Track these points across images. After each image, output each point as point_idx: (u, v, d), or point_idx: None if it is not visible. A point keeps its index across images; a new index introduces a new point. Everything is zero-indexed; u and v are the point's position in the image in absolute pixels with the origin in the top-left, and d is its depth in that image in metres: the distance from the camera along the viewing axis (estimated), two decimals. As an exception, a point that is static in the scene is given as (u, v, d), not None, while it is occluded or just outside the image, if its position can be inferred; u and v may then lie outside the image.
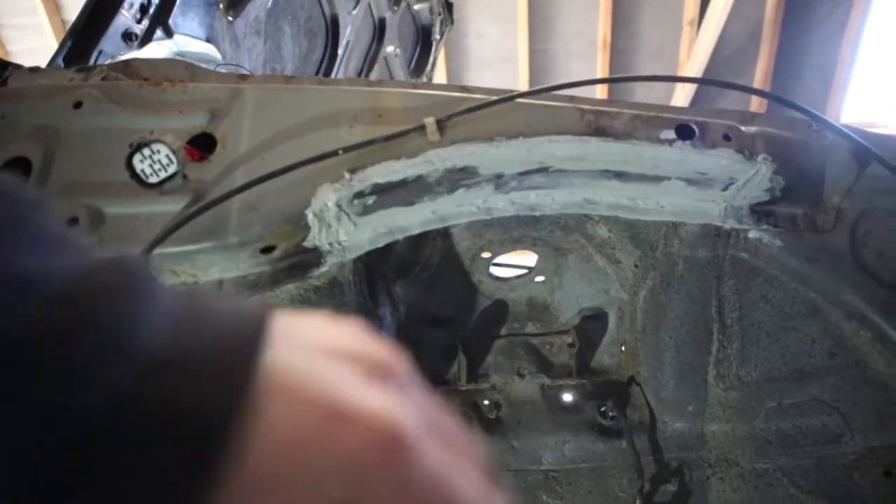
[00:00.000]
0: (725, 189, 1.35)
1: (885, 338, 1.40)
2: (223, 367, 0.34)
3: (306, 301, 1.54)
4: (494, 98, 1.28)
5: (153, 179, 1.32)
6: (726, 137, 1.28)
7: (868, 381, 1.49)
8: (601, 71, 6.73)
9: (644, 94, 6.74)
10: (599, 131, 1.27)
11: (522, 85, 6.86)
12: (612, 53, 6.75)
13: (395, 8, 3.90)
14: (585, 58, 6.81)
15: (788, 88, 6.59)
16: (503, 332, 2.01)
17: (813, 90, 6.36)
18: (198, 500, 0.32)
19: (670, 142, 1.27)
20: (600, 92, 6.63)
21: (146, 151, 1.33)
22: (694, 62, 6.24)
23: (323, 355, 0.38)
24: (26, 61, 1.62)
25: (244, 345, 0.35)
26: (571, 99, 1.35)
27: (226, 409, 0.33)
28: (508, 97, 1.28)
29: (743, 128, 1.32)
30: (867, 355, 1.46)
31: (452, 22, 4.61)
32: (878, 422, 1.53)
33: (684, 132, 1.28)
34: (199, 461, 0.32)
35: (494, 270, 2.00)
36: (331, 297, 1.55)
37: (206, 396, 0.33)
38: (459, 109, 1.27)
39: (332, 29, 3.29)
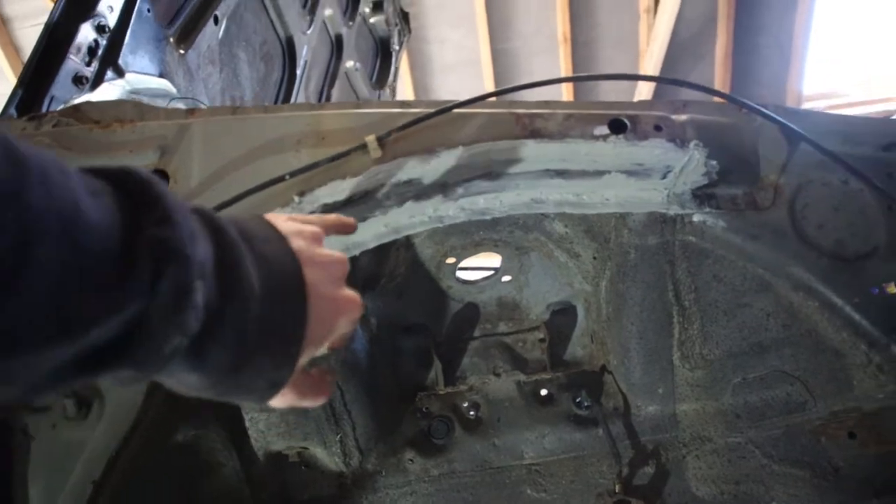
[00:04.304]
0: (664, 177, 1.39)
1: (831, 305, 1.45)
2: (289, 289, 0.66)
3: None
4: (431, 111, 1.32)
5: (107, 220, 1.35)
6: (657, 128, 1.33)
7: (822, 349, 1.54)
8: (564, 65, 6.79)
9: (610, 85, 6.81)
10: (535, 133, 1.32)
11: (487, 86, 6.92)
12: (573, 47, 6.82)
13: (351, 23, 3.93)
14: (547, 53, 6.88)
15: (749, 65, 6.68)
16: (476, 333, 2.05)
17: (773, 64, 6.45)
18: (295, 352, 0.65)
19: (604, 137, 1.32)
20: (566, 90, 6.71)
21: (97, 194, 1.36)
22: (653, 48, 6.31)
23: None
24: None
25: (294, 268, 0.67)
26: (509, 104, 1.39)
27: (302, 311, 0.66)
28: (444, 108, 1.32)
29: (674, 117, 1.36)
30: (817, 324, 1.51)
31: (410, 31, 4.65)
32: (837, 387, 1.57)
33: (617, 126, 1.32)
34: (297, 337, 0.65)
35: (461, 274, 2.04)
36: None
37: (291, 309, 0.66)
38: (398, 125, 1.31)
39: (289, 50, 3.31)
